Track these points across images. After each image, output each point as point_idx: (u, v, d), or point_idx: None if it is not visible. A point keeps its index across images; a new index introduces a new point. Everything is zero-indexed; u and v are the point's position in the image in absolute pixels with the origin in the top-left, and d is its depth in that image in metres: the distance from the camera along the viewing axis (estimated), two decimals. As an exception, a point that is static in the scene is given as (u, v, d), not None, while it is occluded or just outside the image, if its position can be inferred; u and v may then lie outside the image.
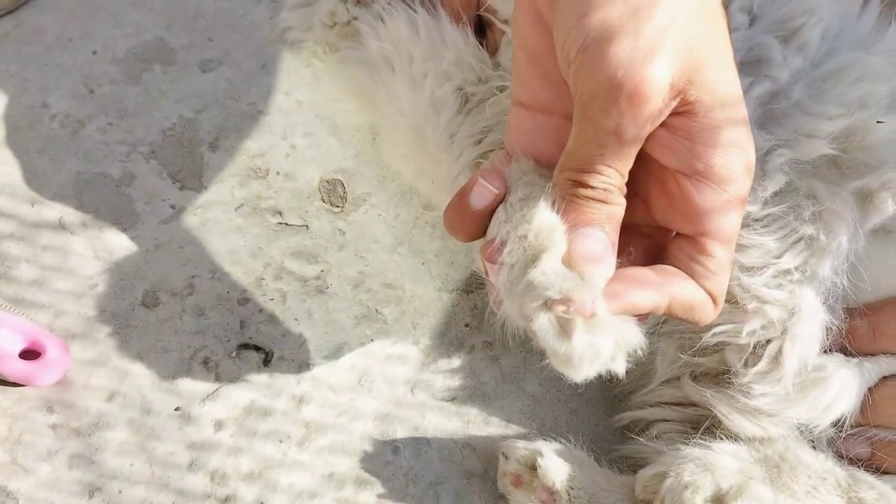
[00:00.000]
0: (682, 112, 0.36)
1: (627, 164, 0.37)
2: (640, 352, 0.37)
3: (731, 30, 0.48)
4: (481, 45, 0.57)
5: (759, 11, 0.49)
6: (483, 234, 0.40)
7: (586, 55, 0.35)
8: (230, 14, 0.75)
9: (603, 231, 0.36)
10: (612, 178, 0.36)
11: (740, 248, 0.46)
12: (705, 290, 0.39)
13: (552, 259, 0.35)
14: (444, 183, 0.59)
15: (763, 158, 0.46)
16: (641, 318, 0.38)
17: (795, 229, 0.46)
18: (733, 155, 0.36)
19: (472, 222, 0.40)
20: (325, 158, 0.67)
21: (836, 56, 0.49)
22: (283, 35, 0.72)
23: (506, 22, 0.54)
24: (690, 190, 0.37)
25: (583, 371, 0.36)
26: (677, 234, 0.40)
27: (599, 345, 0.35)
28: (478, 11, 0.57)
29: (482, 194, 0.39)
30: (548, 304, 0.35)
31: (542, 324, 0.35)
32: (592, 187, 0.36)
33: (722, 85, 0.36)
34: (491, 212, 0.40)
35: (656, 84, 0.34)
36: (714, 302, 0.39)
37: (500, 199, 0.39)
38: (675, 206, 0.38)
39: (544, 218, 0.36)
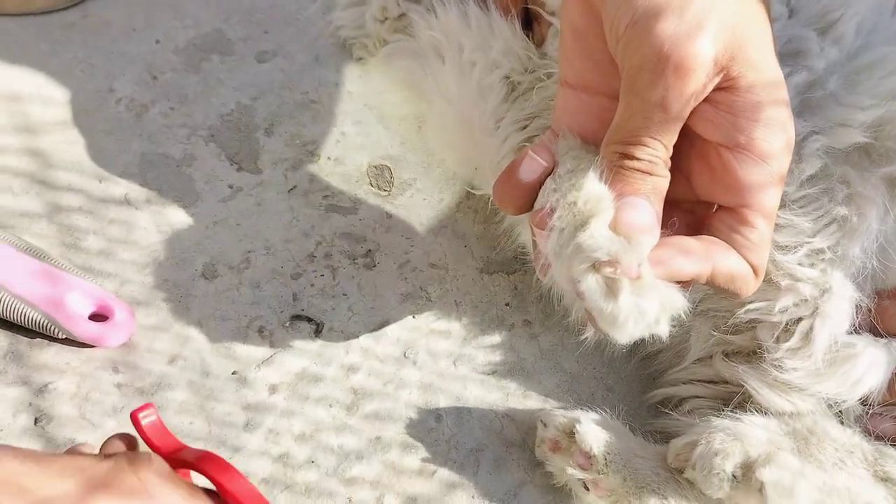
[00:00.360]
0: (725, 87, 0.38)
1: (672, 137, 0.39)
2: (683, 316, 0.39)
3: (772, 20, 0.51)
4: (527, 37, 0.60)
5: (797, 5, 0.52)
6: (530, 207, 0.42)
7: (634, 30, 0.37)
8: (284, 9, 0.79)
9: (648, 201, 0.38)
10: (657, 151, 0.38)
11: (776, 227, 0.48)
12: (747, 260, 0.40)
13: (601, 224, 0.37)
14: (488, 167, 0.61)
15: (800, 143, 0.48)
16: (685, 284, 0.40)
17: (829, 211, 0.48)
18: (774, 131, 0.38)
19: (521, 194, 0.42)
20: (374, 145, 0.70)
21: (871, 50, 0.51)
22: (336, 32, 0.76)
23: (553, 14, 0.57)
24: (733, 162, 0.39)
25: (627, 331, 0.38)
26: (719, 207, 0.42)
27: (644, 306, 0.37)
28: (525, 5, 0.60)
29: (532, 167, 0.42)
30: (595, 266, 0.37)
31: (590, 284, 0.37)
32: (639, 159, 0.38)
33: (763, 64, 0.38)
34: (539, 184, 0.42)
35: (700, 58, 0.36)
36: (755, 273, 0.41)
37: (549, 172, 0.42)
38: (718, 179, 0.40)
39: (593, 187, 0.39)
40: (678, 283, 0.39)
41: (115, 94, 0.71)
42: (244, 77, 0.73)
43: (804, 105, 0.49)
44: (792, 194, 0.49)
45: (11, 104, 0.70)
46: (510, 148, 0.58)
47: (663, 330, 0.39)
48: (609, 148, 0.39)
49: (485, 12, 0.61)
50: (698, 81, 0.37)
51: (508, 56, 0.59)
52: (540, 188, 0.42)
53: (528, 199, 0.42)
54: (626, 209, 0.38)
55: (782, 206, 0.49)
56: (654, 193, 0.39)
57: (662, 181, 0.39)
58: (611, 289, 0.37)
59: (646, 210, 0.38)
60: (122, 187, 0.66)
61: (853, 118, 0.49)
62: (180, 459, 0.41)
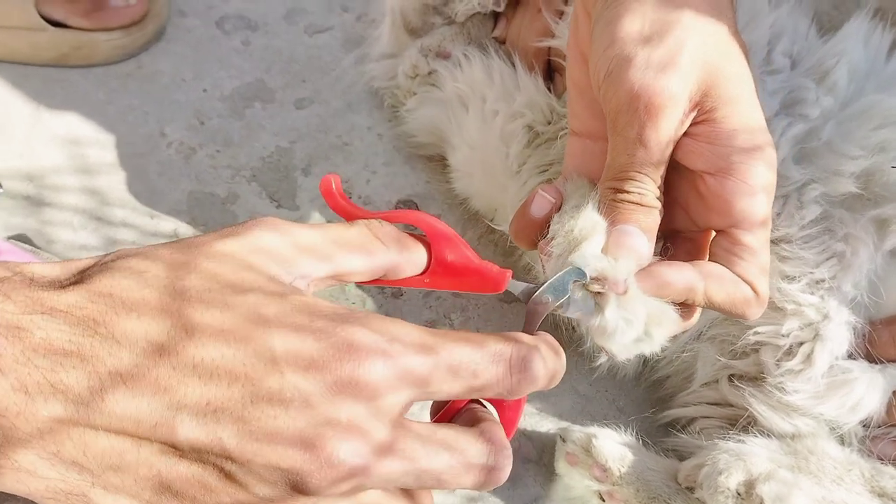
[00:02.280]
0: (702, 121, 0.41)
1: (656, 169, 0.41)
2: (678, 331, 0.41)
3: (776, 72, 0.53)
4: (549, 89, 0.63)
5: (798, 56, 0.54)
6: None
7: (610, 78, 0.40)
8: (320, 60, 0.83)
9: (638, 227, 0.41)
10: (644, 183, 0.41)
11: (783, 258, 0.51)
12: (744, 279, 0.42)
13: (591, 245, 0.40)
14: (509, 208, 0.64)
15: (800, 190, 0.51)
16: (687, 309, 0.42)
17: (830, 247, 0.51)
18: (751, 154, 0.40)
19: (533, 230, 0.44)
20: (402, 184, 0.74)
21: (863, 97, 0.53)
22: (369, 82, 0.79)
23: None
24: (716, 186, 0.41)
25: (617, 341, 0.39)
26: (716, 233, 0.43)
27: (630, 318, 0.39)
28: (548, 57, 0.64)
29: (541, 204, 0.44)
30: (585, 284, 0.39)
31: (579, 299, 0.39)
32: (628, 192, 0.41)
33: (736, 97, 0.41)
34: (549, 220, 0.44)
35: (667, 94, 0.39)
36: (756, 293, 0.42)
37: (557, 208, 0.44)
38: (708, 205, 0.42)
39: (588, 216, 0.41)
40: (681, 305, 0.41)
41: (166, 138, 0.76)
42: (283, 122, 0.77)
43: (802, 154, 0.52)
44: (795, 234, 0.51)
45: (72, 147, 0.74)
46: (530, 190, 0.60)
47: (656, 343, 0.40)
48: (603, 185, 0.42)
49: (509, 67, 0.64)
50: (671, 116, 0.40)
51: (531, 108, 0.61)
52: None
53: (539, 234, 0.44)
54: (616, 234, 0.40)
55: (789, 241, 0.51)
56: (645, 221, 0.41)
57: (652, 211, 0.41)
58: (598, 303, 0.39)
59: (635, 234, 0.40)
60: (171, 223, 0.70)
61: (844, 168, 0.51)
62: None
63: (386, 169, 0.75)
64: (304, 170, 0.74)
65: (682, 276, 0.40)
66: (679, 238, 0.45)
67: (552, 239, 0.42)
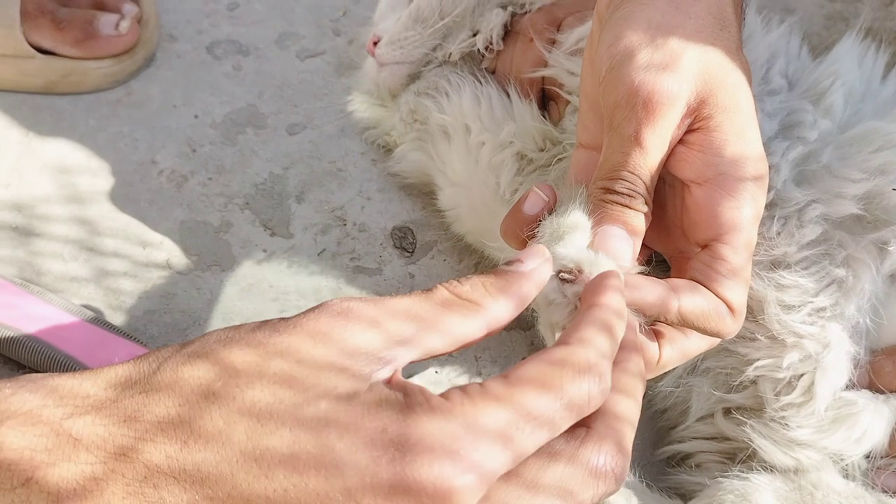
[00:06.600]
0: (697, 129, 0.39)
1: (648, 170, 0.39)
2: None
3: (774, 92, 0.51)
4: (544, 116, 0.60)
5: (794, 77, 0.52)
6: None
7: (611, 73, 0.39)
8: (313, 85, 0.80)
9: (625, 230, 0.39)
10: (634, 184, 0.39)
11: (783, 288, 0.48)
12: (719, 295, 0.39)
13: (574, 238, 0.38)
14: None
15: (800, 211, 0.49)
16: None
17: (829, 272, 0.48)
18: (741, 166, 0.39)
19: (523, 226, 0.42)
20: (397, 210, 0.71)
21: (861, 122, 0.51)
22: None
23: (570, 93, 0.58)
24: (703, 197, 0.39)
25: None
26: (699, 250, 0.41)
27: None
28: (542, 86, 0.61)
29: (534, 201, 0.42)
30: (560, 275, 0.36)
31: (550, 286, 0.36)
32: (618, 192, 0.39)
33: (734, 107, 0.39)
34: (539, 218, 0.42)
35: (666, 92, 0.37)
36: (731, 310, 0.40)
37: (550, 208, 0.42)
38: (692, 216, 0.40)
39: (575, 215, 0.39)
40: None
41: (158, 165, 0.72)
42: (276, 148, 0.74)
43: (802, 177, 0.50)
44: (793, 255, 0.49)
45: (62, 176, 0.71)
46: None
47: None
48: (595, 185, 0.40)
49: (501, 95, 0.61)
50: (669, 117, 0.38)
51: (521, 137, 0.59)
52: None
53: (529, 231, 0.42)
54: (601, 235, 0.39)
55: (787, 265, 0.49)
56: (631, 224, 0.39)
57: (640, 214, 0.39)
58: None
59: (619, 236, 0.39)
60: (163, 253, 0.66)
61: (846, 191, 0.49)
62: None
63: (381, 195, 0.72)
64: (298, 197, 0.71)
65: (653, 290, 0.38)
66: (681, 257, 0.43)
67: (539, 234, 0.40)
